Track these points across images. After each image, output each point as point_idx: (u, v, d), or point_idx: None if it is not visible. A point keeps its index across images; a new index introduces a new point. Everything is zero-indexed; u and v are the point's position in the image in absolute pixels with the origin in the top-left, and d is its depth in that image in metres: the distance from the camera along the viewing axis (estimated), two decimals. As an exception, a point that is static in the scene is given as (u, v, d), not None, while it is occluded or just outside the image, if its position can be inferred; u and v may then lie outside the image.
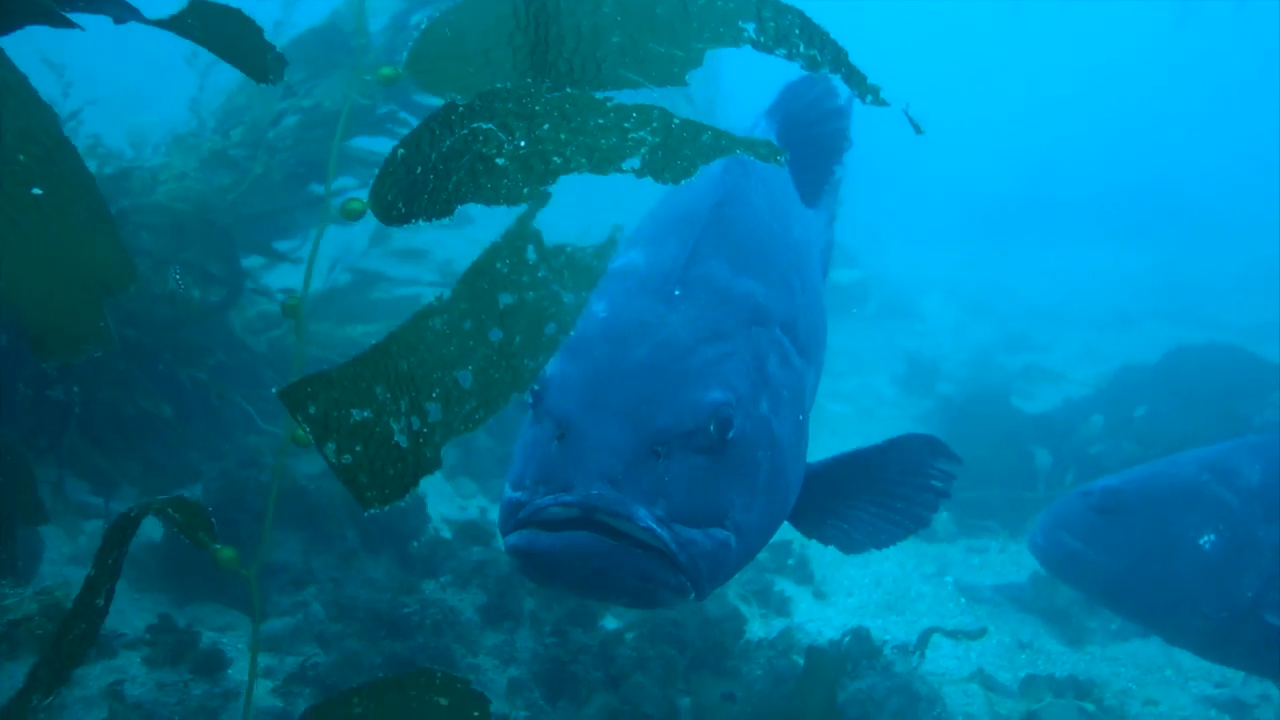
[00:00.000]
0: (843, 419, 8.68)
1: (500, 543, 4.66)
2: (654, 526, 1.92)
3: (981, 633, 4.80)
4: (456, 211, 5.57)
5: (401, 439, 1.29)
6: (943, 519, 6.62)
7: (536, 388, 2.07)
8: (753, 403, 2.17)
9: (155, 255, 3.63)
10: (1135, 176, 23.62)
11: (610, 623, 4.16)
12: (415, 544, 4.19)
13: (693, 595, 2.02)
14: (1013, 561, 6.18)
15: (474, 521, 4.32)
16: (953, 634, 4.63)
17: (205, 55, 4.39)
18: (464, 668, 3.65)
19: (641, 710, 3.60)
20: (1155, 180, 23.29)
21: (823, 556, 6.09)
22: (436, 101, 4.66)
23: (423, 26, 1.86)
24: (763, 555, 5.79)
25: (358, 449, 1.30)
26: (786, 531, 6.83)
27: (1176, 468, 3.70)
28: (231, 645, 3.47)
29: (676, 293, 2.25)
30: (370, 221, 6.26)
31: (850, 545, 2.65)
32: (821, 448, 2.60)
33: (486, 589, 3.93)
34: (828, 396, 8.30)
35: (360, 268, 5.98)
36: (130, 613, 3.52)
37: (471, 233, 6.96)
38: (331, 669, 3.39)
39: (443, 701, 1.50)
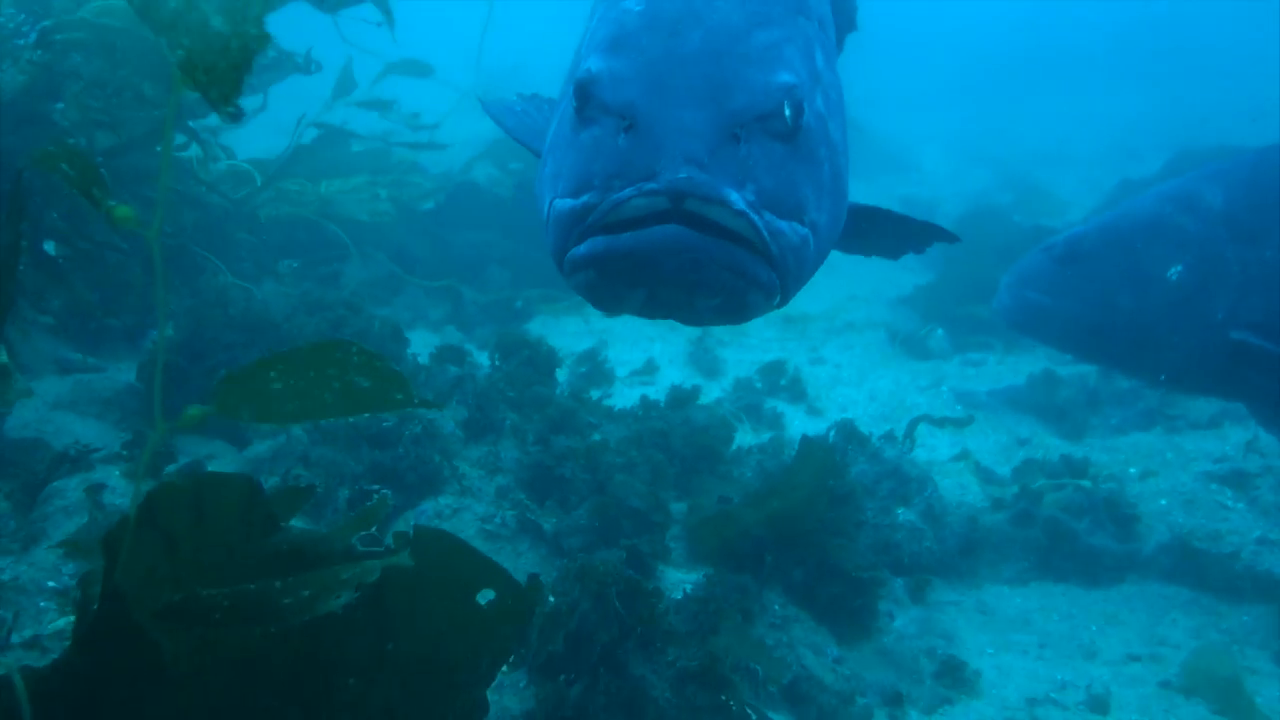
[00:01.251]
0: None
1: (481, 358, 4.66)
2: (748, 211, 1.77)
3: (969, 420, 4.77)
4: (419, 61, 5.34)
5: (216, 21, 1.18)
6: (938, 336, 6.56)
7: (582, 86, 1.91)
8: (812, 95, 2.04)
9: (86, 77, 3.50)
10: (1135, 18, 22.87)
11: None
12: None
13: (778, 298, 1.90)
14: (1010, 370, 6.13)
15: (450, 345, 4.28)
16: (939, 422, 4.60)
17: None
18: (448, 477, 3.65)
19: (629, 505, 3.59)
20: (1156, 21, 22.55)
21: (817, 377, 6.06)
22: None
23: None
24: (753, 376, 5.75)
25: (185, 43, 1.21)
26: (779, 351, 6.76)
27: (1137, 206, 3.67)
28: (212, 468, 3.46)
29: None
30: (332, 73, 6.03)
31: (865, 251, 2.74)
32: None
33: (466, 404, 3.90)
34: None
35: (326, 122, 5.84)
36: (109, 438, 3.52)
37: (435, 85, 6.81)
38: (314, 479, 3.39)
39: (364, 384, 1.44)
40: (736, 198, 1.75)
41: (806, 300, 7.96)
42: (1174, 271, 3.48)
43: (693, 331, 6.63)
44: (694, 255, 1.74)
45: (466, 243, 6.91)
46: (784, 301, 1.96)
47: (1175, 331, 3.47)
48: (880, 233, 2.65)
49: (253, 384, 1.39)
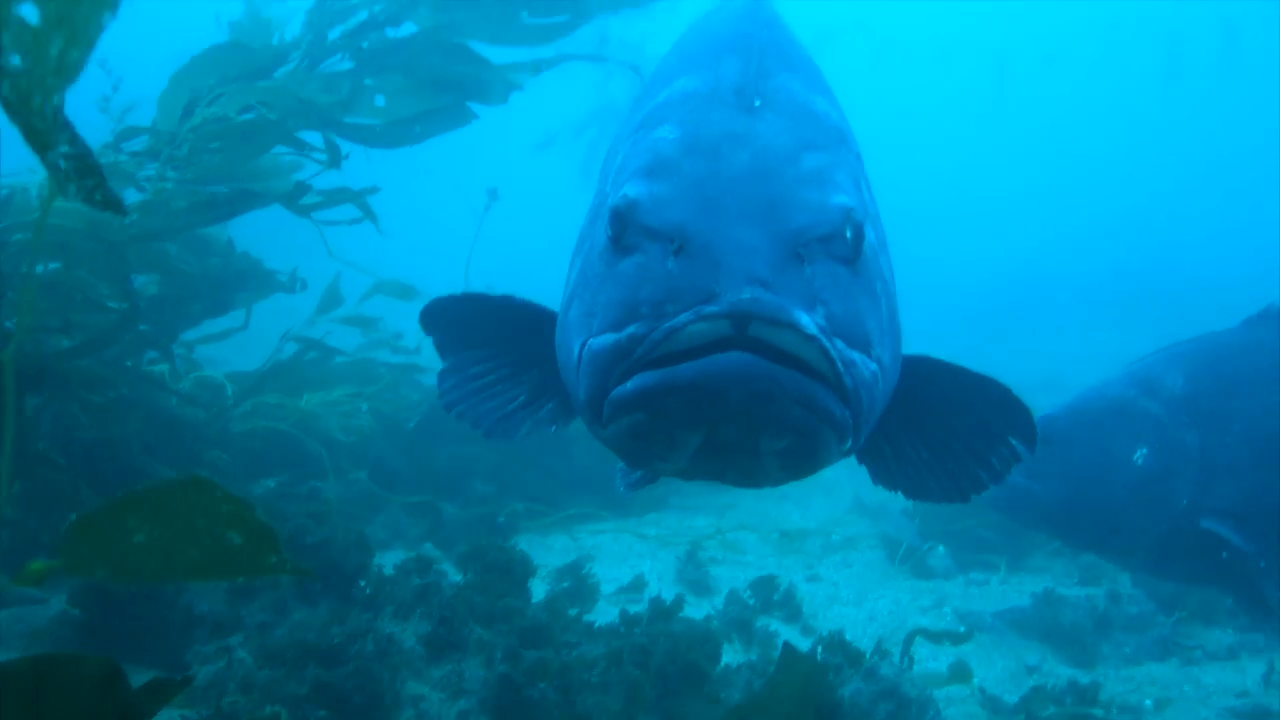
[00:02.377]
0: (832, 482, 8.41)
1: (446, 566, 4.37)
2: (820, 336, 1.58)
3: (968, 636, 4.45)
4: (404, 284, 5.35)
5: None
6: (939, 553, 6.30)
7: (619, 213, 1.76)
8: (865, 222, 1.88)
9: (41, 279, 3.46)
10: (1127, 259, 23.67)
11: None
12: (361, 583, 3.91)
13: (849, 441, 1.70)
14: (1014, 590, 5.84)
15: (416, 556, 4.04)
16: (936, 637, 4.27)
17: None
18: (406, 699, 3.34)
19: (602, 731, 3.26)
20: (1148, 262, 23.35)
21: (814, 595, 5.75)
22: (362, 120, 4.60)
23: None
24: (745, 592, 5.45)
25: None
26: (775, 567, 6.46)
27: (1104, 388, 3.69)
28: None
29: (757, 103, 2.00)
30: (317, 289, 6.09)
31: (885, 478, 2.37)
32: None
33: (430, 617, 3.63)
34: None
35: (307, 336, 5.84)
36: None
37: (417, 307, 6.88)
38: (251, 705, 3.08)
39: (236, 540, 1.25)
40: (808, 321, 1.58)
41: (803, 515, 7.79)
42: (1139, 455, 3.48)
43: (682, 548, 6.37)
44: (765, 386, 1.54)
45: (450, 456, 6.77)
46: (854, 447, 1.76)
47: (1143, 516, 3.46)
48: (943, 408, 2.26)
49: (109, 533, 1.20)
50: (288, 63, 4.08)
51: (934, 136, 37.89)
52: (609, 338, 1.66)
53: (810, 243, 1.70)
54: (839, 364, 1.61)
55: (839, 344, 1.63)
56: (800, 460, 1.70)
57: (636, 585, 5.79)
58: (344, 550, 3.97)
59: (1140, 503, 3.46)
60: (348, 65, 4.18)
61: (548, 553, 6.36)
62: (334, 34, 4.17)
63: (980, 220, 31.82)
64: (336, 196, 4.26)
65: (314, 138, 4.14)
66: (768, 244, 1.65)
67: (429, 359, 6.48)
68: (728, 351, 1.54)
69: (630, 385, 1.60)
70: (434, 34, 4.14)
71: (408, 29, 4.24)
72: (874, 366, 1.73)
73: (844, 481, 7.70)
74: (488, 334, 2.46)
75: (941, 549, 6.32)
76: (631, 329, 1.62)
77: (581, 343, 1.75)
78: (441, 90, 4.13)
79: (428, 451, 6.73)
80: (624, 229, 1.74)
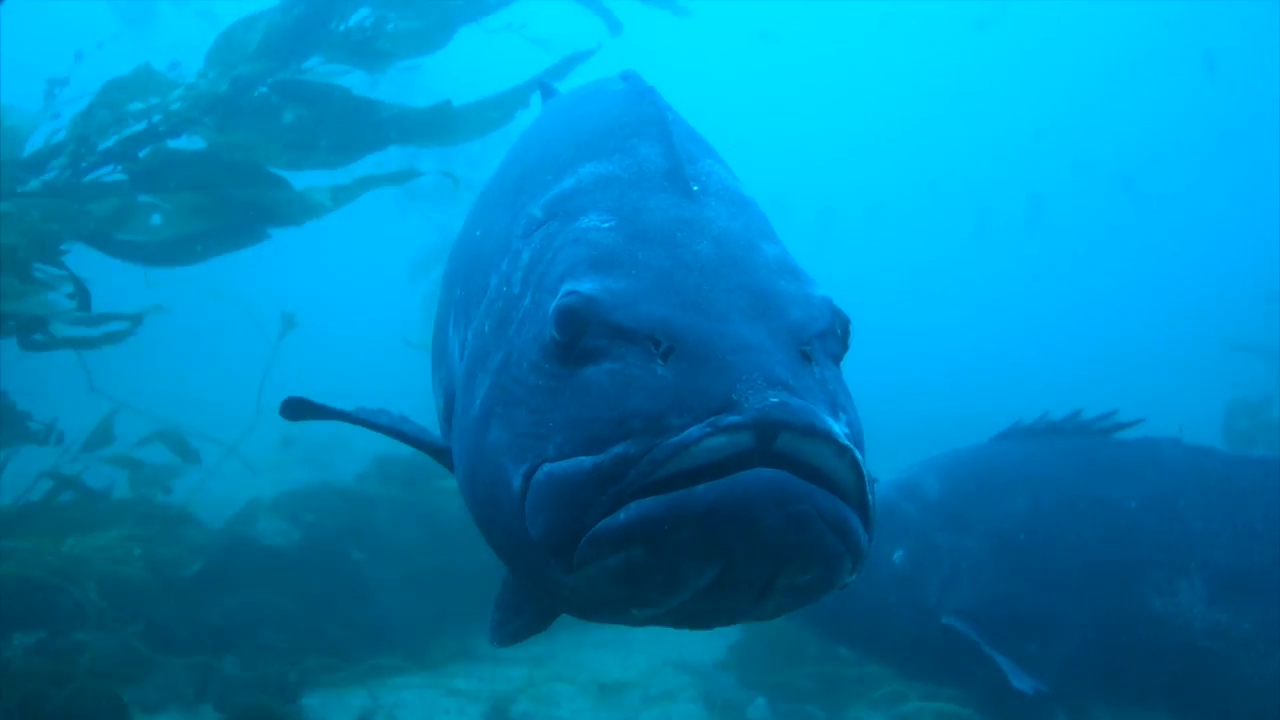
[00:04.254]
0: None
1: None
2: (853, 448, 1.36)
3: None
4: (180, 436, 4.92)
5: None
6: (758, 705, 6.09)
7: (573, 313, 1.51)
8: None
9: None
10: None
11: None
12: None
13: (856, 573, 1.47)
14: (835, 742, 5.67)
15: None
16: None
17: None
18: None
19: None
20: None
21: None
22: (135, 237, 4.24)
23: None
24: None
25: None
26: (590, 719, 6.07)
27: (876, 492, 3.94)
28: None
29: (695, 188, 1.78)
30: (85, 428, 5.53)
31: None
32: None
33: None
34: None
35: (62, 474, 5.28)
36: None
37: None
38: None
39: None
40: (840, 430, 1.37)
41: (623, 665, 7.48)
42: (897, 555, 3.69)
43: (491, 703, 5.96)
44: (802, 509, 1.30)
45: (239, 605, 6.19)
46: (855, 571, 1.50)
47: (898, 614, 3.65)
48: None
49: None
50: (46, 172, 3.76)
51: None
52: (583, 461, 1.40)
53: (811, 340, 1.52)
54: (866, 480, 1.40)
55: (860, 455, 1.42)
56: (812, 595, 1.46)
57: (439, 749, 5.34)
58: (94, 717, 3.48)
59: (897, 601, 3.66)
60: (120, 177, 3.89)
61: (345, 712, 5.83)
62: (106, 143, 3.88)
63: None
64: (99, 321, 3.88)
65: (76, 259, 3.79)
66: (773, 342, 1.45)
67: (219, 493, 6.00)
68: (754, 469, 1.30)
69: (626, 516, 1.34)
70: (223, 151, 3.91)
71: (195, 143, 4.00)
72: (875, 477, 1.54)
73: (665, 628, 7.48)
74: None
75: (760, 700, 6.14)
76: (619, 449, 1.37)
77: (526, 471, 1.49)
78: (233, 209, 3.88)
79: (212, 600, 6.13)
80: (581, 332, 1.50)
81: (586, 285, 1.54)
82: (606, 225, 1.68)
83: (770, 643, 6.74)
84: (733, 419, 1.30)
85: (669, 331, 1.44)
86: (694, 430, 1.32)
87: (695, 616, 1.52)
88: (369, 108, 4.05)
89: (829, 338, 1.56)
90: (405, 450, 8.14)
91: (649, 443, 1.34)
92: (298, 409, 2.14)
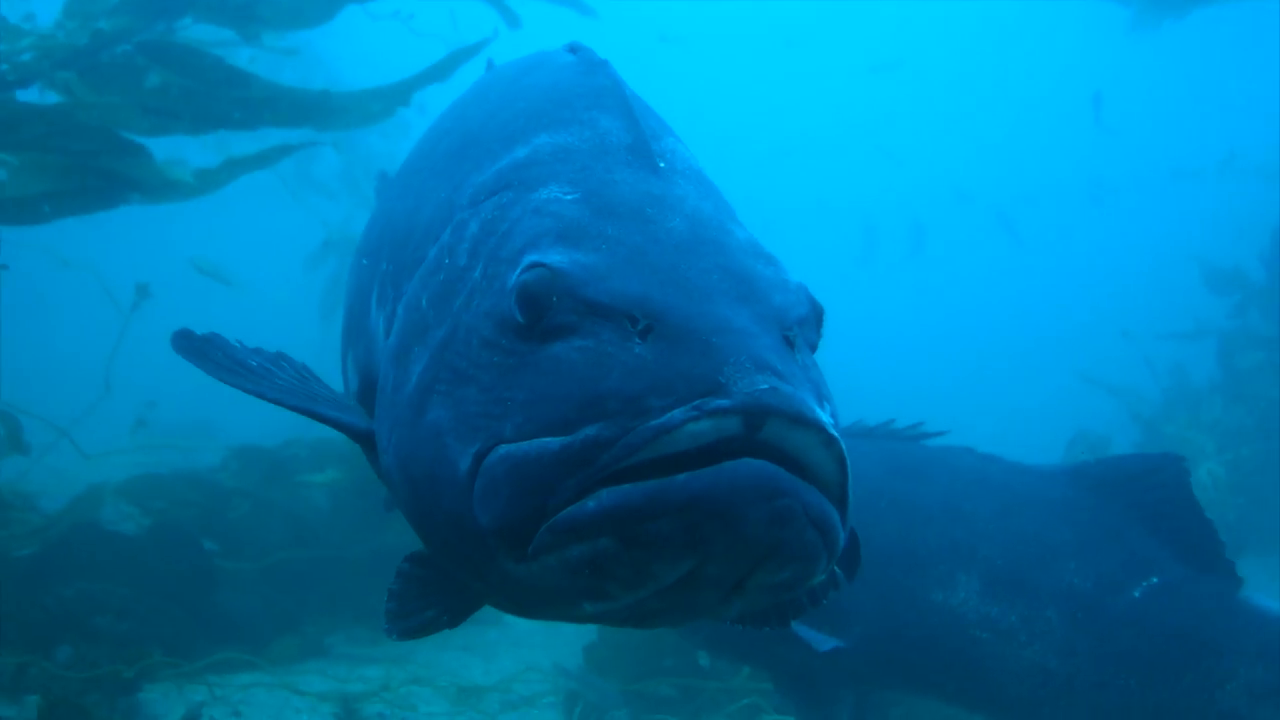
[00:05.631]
0: None
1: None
2: (839, 439, 1.29)
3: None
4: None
5: None
6: (618, 717, 6.09)
7: (538, 287, 1.42)
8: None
9: None
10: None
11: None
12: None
13: (826, 573, 1.38)
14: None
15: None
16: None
17: None
18: None
19: None
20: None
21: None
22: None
23: None
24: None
25: None
26: None
27: None
28: None
29: (661, 165, 1.70)
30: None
31: None
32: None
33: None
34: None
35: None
36: None
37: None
38: None
39: None
40: (827, 420, 1.29)
41: (486, 669, 7.36)
42: None
43: (343, 704, 5.77)
44: (787, 504, 1.23)
45: (77, 593, 5.84)
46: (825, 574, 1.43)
47: None
48: None
49: None
50: None
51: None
52: (548, 443, 1.30)
53: (793, 325, 1.45)
54: (849, 476, 1.34)
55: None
56: (782, 594, 1.39)
57: (278, 752, 5.13)
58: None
59: None
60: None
61: (185, 708, 5.55)
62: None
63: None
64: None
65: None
66: (759, 326, 1.37)
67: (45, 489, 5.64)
68: (740, 459, 1.23)
69: (596, 504, 1.24)
70: (79, 110, 3.64)
71: (51, 98, 3.72)
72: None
73: (536, 633, 7.41)
74: None
75: (620, 711, 6.13)
76: (590, 430, 1.27)
77: (476, 452, 1.38)
78: (87, 173, 3.62)
79: (47, 588, 5.78)
80: (546, 307, 1.41)
81: (553, 258, 1.45)
82: (570, 198, 1.60)
83: (632, 648, 6.74)
84: (720, 403, 1.23)
85: (647, 309, 1.36)
86: (676, 414, 1.24)
87: (650, 615, 1.42)
88: (242, 81, 3.84)
89: (807, 325, 1.52)
90: (269, 442, 7.90)
91: (624, 425, 1.26)
92: (188, 346, 1.99)
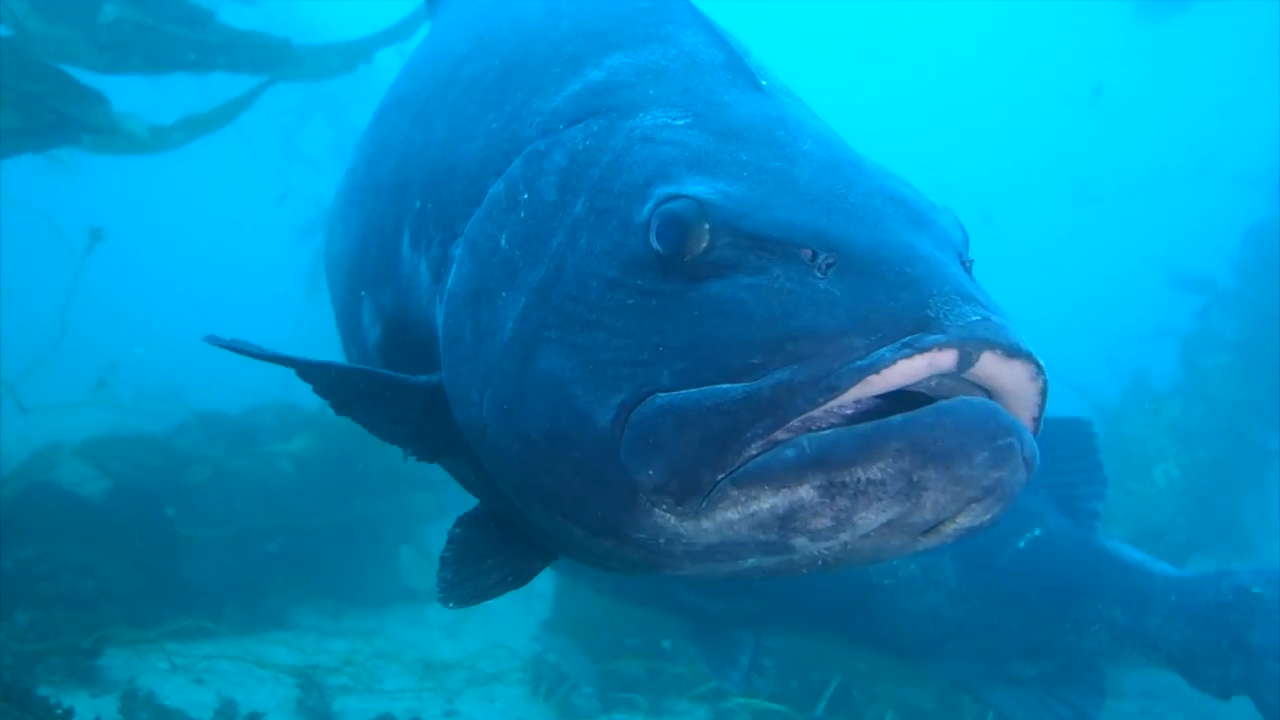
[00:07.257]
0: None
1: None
2: (1045, 372, 1.22)
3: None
4: None
5: None
6: (585, 693, 6.04)
7: (689, 219, 1.29)
8: None
9: None
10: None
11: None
12: None
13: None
14: (657, 733, 5.66)
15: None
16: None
17: None
18: None
19: None
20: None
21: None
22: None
23: None
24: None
25: None
26: (413, 700, 5.90)
27: None
28: None
29: (764, 84, 1.58)
30: None
31: None
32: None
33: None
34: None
35: None
36: None
37: None
38: None
39: None
40: (1037, 352, 1.21)
41: (455, 644, 7.27)
42: None
43: (308, 675, 5.67)
44: (1007, 443, 1.14)
45: (34, 555, 5.71)
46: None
47: None
48: None
49: None
50: None
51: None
52: (728, 390, 1.19)
53: (963, 249, 1.38)
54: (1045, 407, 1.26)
55: None
56: (965, 538, 1.28)
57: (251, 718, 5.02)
58: None
59: None
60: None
61: (151, 674, 5.45)
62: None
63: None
64: None
65: None
66: (944, 252, 1.28)
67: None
68: (959, 397, 1.15)
69: (796, 452, 1.15)
70: (32, 43, 3.48)
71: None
72: None
73: (509, 611, 7.32)
74: None
75: (588, 688, 6.07)
76: (783, 374, 1.17)
77: (623, 402, 1.27)
78: (41, 112, 3.46)
79: (3, 550, 5.63)
80: (695, 242, 1.28)
81: (695, 189, 1.33)
82: (681, 123, 1.47)
83: (598, 627, 6.68)
84: (935, 338, 1.14)
85: (824, 240, 1.25)
86: (885, 352, 1.14)
87: (810, 564, 1.31)
88: (200, 21, 3.68)
89: (965, 250, 1.42)
90: (234, 409, 7.74)
91: (824, 367, 1.16)
92: (221, 345, 1.82)
